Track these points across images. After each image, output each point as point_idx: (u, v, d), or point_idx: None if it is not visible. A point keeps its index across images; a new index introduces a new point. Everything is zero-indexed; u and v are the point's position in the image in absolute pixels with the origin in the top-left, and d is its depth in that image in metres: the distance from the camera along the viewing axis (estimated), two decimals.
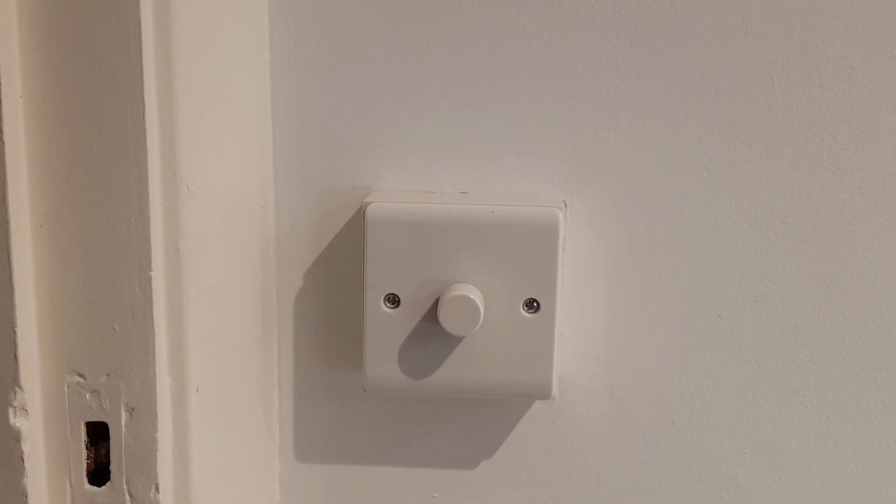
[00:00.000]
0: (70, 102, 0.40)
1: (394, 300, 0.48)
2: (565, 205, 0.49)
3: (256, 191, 0.50)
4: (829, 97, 0.48)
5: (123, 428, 0.43)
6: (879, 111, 0.48)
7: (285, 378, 0.53)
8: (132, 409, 0.43)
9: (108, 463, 0.43)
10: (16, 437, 0.41)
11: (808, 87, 0.48)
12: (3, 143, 0.39)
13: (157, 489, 0.43)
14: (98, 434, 0.43)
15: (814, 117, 0.48)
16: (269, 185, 0.51)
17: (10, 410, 0.41)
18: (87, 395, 0.43)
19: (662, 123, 0.49)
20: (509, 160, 0.50)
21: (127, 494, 0.43)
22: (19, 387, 0.41)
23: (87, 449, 0.43)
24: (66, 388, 0.43)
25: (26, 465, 0.42)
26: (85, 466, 0.43)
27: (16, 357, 0.41)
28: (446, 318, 0.46)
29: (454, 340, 0.48)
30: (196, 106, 0.43)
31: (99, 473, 0.43)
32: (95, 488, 0.43)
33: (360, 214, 0.48)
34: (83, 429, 0.43)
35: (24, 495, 0.42)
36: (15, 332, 0.41)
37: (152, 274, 0.42)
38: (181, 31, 0.41)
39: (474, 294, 0.46)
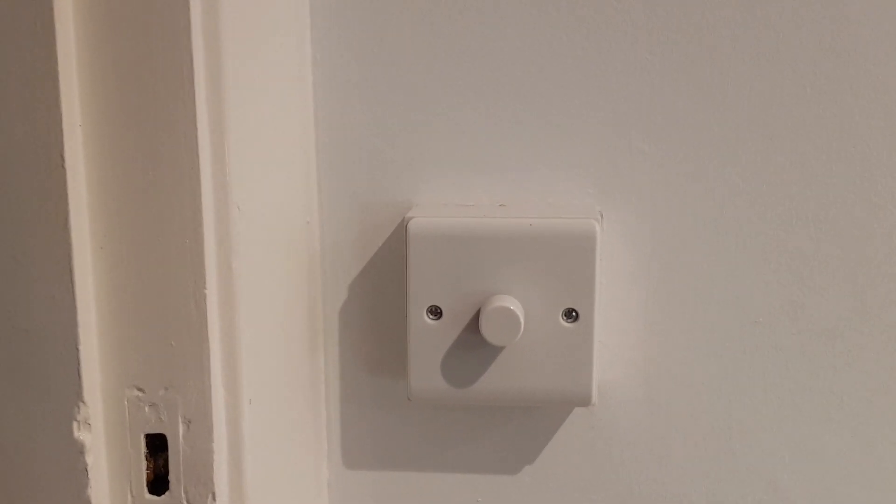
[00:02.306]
0: (126, 129, 0.42)
1: (436, 312, 0.49)
2: (601, 215, 0.50)
3: (302, 208, 0.51)
4: (861, 105, 0.48)
5: (181, 439, 0.44)
6: None
7: (332, 387, 0.54)
8: (189, 421, 0.44)
9: (167, 473, 0.44)
10: (80, 449, 0.43)
11: (840, 95, 0.48)
12: (65, 170, 0.41)
13: (213, 497, 0.44)
14: (156, 445, 0.45)
15: (847, 125, 0.49)
16: (314, 201, 0.52)
17: (75, 424, 0.43)
18: (147, 409, 0.44)
19: (696, 134, 0.49)
20: (546, 173, 0.51)
21: (185, 502, 0.45)
22: (83, 401, 0.43)
23: (146, 460, 0.45)
24: (126, 402, 0.44)
25: (90, 476, 0.43)
26: (145, 476, 0.45)
27: (79, 373, 0.42)
28: (488, 329, 0.47)
29: (495, 350, 0.49)
30: (244, 129, 0.44)
31: (158, 483, 0.45)
32: (155, 497, 0.45)
33: (402, 228, 0.50)
34: (143, 440, 0.44)
35: None
36: (78, 349, 0.42)
37: (206, 291, 0.43)
38: (230, 58, 0.42)
39: (514, 305, 0.47)
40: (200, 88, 0.42)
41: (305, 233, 0.52)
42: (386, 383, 0.54)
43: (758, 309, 0.51)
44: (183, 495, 0.45)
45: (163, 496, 0.45)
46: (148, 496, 0.45)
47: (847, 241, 0.50)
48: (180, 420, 0.44)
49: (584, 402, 0.49)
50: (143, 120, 0.42)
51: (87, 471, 0.43)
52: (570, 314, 0.48)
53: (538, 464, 0.54)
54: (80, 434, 0.43)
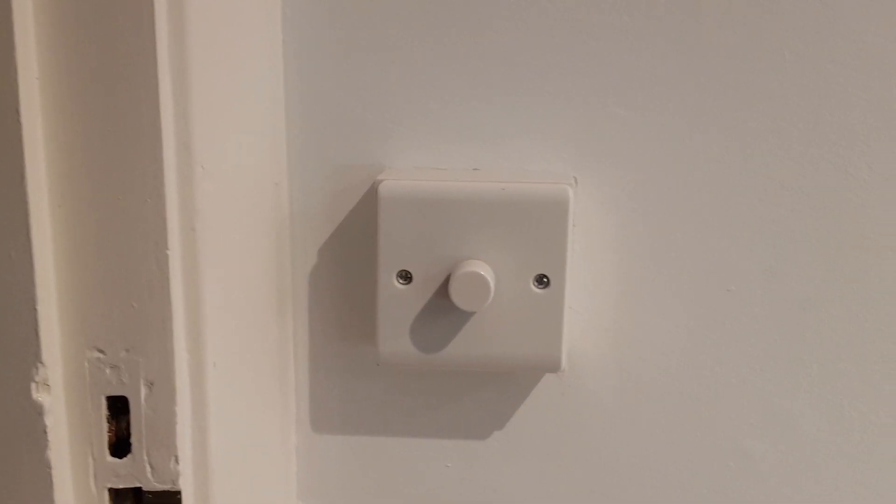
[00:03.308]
0: (85, 83, 0.41)
1: (406, 276, 0.48)
2: (576, 181, 0.50)
3: (270, 169, 0.50)
4: (841, 72, 0.48)
5: (143, 402, 0.44)
6: (891, 86, 0.48)
7: (301, 352, 0.54)
8: (151, 384, 0.44)
9: (129, 436, 0.44)
10: (38, 410, 0.42)
11: (819, 62, 0.48)
12: (21, 124, 0.40)
13: (176, 460, 0.44)
14: (118, 408, 0.44)
15: (825, 92, 0.48)
16: (283, 163, 0.51)
17: (33, 385, 0.42)
18: (108, 371, 0.44)
19: (674, 99, 0.49)
20: (521, 137, 0.50)
21: (147, 465, 0.44)
22: (41, 362, 0.42)
23: (108, 422, 0.44)
24: (86, 364, 0.44)
25: (49, 438, 0.43)
26: (106, 439, 0.44)
27: (37, 333, 0.42)
28: (457, 294, 0.46)
29: (465, 315, 0.48)
30: (209, 86, 0.43)
31: (120, 446, 0.44)
32: (117, 460, 0.44)
33: (373, 192, 0.49)
34: (104, 403, 0.44)
35: (49, 467, 0.43)
36: (36, 308, 0.42)
37: (168, 252, 0.42)
38: (194, 11, 0.41)
39: (485, 270, 0.47)
40: (163, 43, 0.40)
41: (274, 195, 0.51)
42: (355, 348, 0.53)
43: (731, 276, 0.51)
44: (145, 458, 0.44)
45: (125, 459, 0.44)
46: (109, 459, 0.44)
47: (822, 211, 0.49)
48: (142, 382, 0.44)
49: (554, 368, 0.49)
50: (104, 75, 0.40)
51: (45, 432, 0.43)
52: (542, 280, 0.48)
53: (508, 430, 0.54)
54: (39, 395, 0.42)
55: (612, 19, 0.48)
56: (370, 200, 0.51)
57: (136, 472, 0.44)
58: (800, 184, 0.49)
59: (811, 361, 0.51)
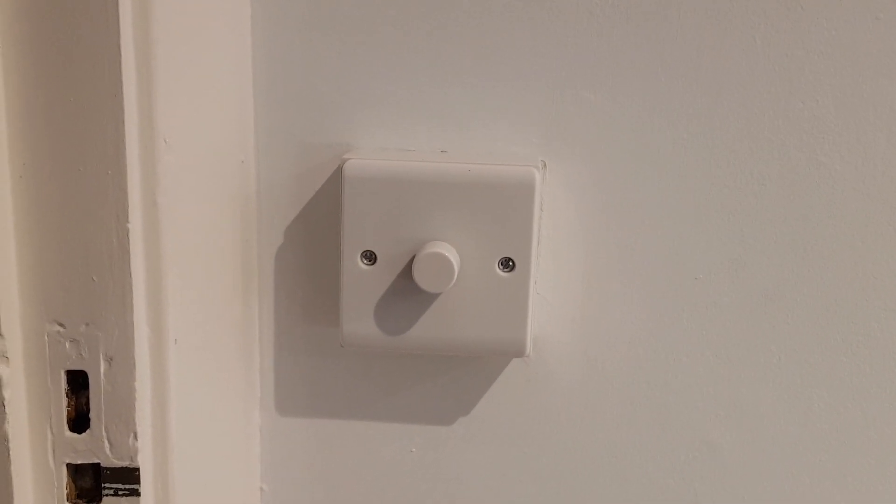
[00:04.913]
0: (46, 54, 0.40)
1: (370, 257, 0.48)
2: (544, 165, 0.49)
3: (236, 146, 0.50)
4: (812, 59, 0.47)
5: (102, 377, 0.44)
6: (862, 74, 0.47)
7: (266, 332, 0.54)
8: (111, 359, 0.43)
9: (88, 411, 0.44)
10: None
11: (790, 48, 0.47)
12: None
13: (135, 437, 0.44)
14: (78, 382, 0.44)
15: (795, 79, 0.48)
16: (250, 140, 0.51)
17: None
18: (67, 344, 0.43)
19: (643, 84, 0.48)
20: (490, 120, 0.50)
21: (106, 441, 0.44)
22: (0, 335, 0.42)
23: (67, 396, 0.44)
24: (46, 337, 0.43)
25: (7, 410, 0.43)
26: (65, 413, 0.44)
27: None
28: (420, 275, 0.46)
29: (430, 297, 0.48)
30: (174, 59, 0.43)
31: (79, 420, 0.44)
32: (75, 435, 0.44)
33: (339, 171, 0.48)
34: (63, 377, 0.44)
35: (6, 440, 0.43)
36: None
37: (129, 226, 0.42)
38: None
39: (449, 252, 0.46)
40: (126, 14, 0.40)
41: (240, 172, 0.50)
42: (321, 329, 0.53)
43: (698, 265, 0.50)
44: (104, 433, 0.44)
45: (83, 434, 0.44)
46: (68, 433, 0.44)
47: (790, 200, 0.49)
48: (101, 357, 0.43)
49: (519, 352, 0.49)
50: (64, 45, 0.40)
51: (3, 405, 0.43)
52: (507, 263, 0.47)
53: (473, 415, 0.53)
54: None
55: (581, 3, 0.48)
56: (337, 180, 0.51)
57: (95, 448, 0.44)
58: (768, 172, 0.49)
59: (777, 352, 0.51)
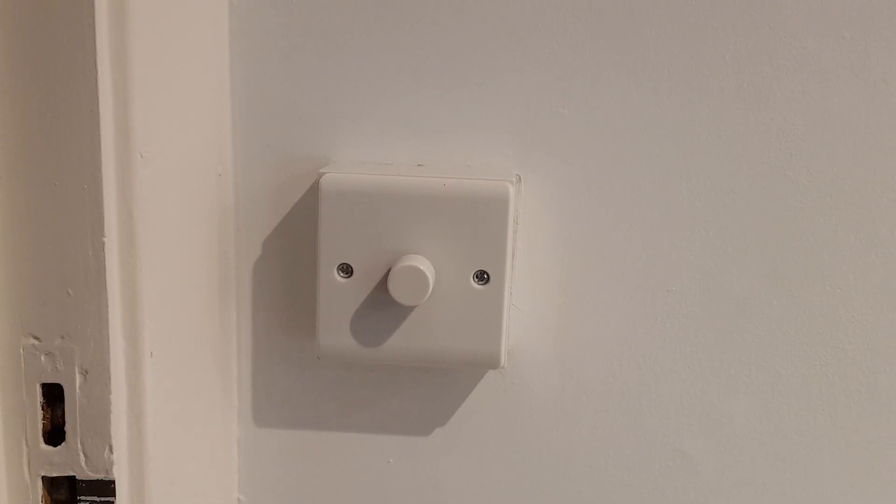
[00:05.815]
0: (22, 67, 0.40)
1: (347, 270, 0.48)
2: (519, 179, 0.50)
3: (214, 159, 0.50)
4: (780, 77, 0.48)
5: (78, 390, 0.44)
6: (830, 91, 0.48)
7: (244, 344, 0.54)
8: (86, 372, 0.43)
9: (64, 424, 0.44)
10: None
11: (759, 66, 0.48)
12: None
13: (110, 450, 0.44)
14: (54, 395, 0.44)
15: (765, 96, 0.49)
16: (228, 153, 0.51)
17: None
18: (42, 358, 0.43)
19: (616, 99, 0.49)
20: (466, 134, 0.50)
21: (81, 454, 0.44)
22: None
23: (42, 410, 0.44)
24: (21, 350, 0.43)
25: None
26: (41, 427, 0.44)
27: None
28: (396, 288, 0.47)
29: (405, 310, 0.48)
30: (151, 72, 0.43)
31: (55, 433, 0.44)
32: (51, 448, 0.44)
33: (317, 185, 0.49)
34: (38, 390, 0.44)
35: None
36: None
37: (105, 239, 0.42)
38: None
39: (424, 265, 0.47)
40: (102, 28, 0.40)
41: (218, 185, 0.51)
42: (298, 342, 0.53)
43: (670, 277, 0.51)
44: (79, 446, 0.44)
45: (59, 447, 0.44)
46: (44, 447, 0.44)
47: (761, 213, 0.50)
48: (77, 370, 0.43)
49: (494, 364, 0.49)
50: (41, 59, 0.40)
51: None
52: (482, 276, 0.48)
53: (449, 426, 0.54)
54: None
55: (555, 18, 0.49)
56: (314, 193, 0.51)
57: (70, 461, 0.44)
58: (739, 186, 0.50)
59: (749, 363, 0.52)
